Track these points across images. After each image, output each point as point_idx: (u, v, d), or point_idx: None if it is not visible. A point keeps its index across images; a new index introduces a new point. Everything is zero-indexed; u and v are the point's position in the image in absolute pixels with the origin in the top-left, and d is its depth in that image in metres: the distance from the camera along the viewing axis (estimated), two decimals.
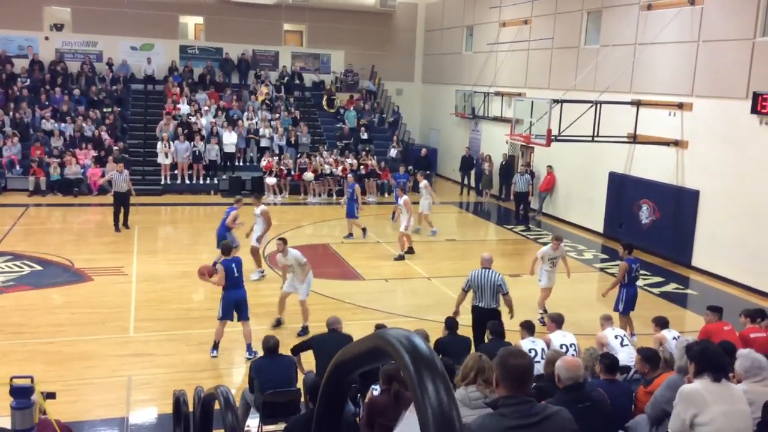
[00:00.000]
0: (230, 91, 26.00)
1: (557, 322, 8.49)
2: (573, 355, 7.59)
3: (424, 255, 15.64)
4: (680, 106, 15.76)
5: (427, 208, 17.68)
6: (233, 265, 9.80)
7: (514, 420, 3.01)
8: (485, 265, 9.67)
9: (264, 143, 23.88)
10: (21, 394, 4.00)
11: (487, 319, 9.15)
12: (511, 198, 21.38)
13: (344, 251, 15.29)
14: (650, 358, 6.30)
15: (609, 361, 6.19)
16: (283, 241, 10.85)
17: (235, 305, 9.81)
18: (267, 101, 25.71)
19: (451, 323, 8.38)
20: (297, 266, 10.74)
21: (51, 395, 5.13)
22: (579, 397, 4.70)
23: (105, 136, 22.86)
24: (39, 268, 13.64)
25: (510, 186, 23.12)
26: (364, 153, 23.95)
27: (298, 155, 23.24)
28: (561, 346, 7.92)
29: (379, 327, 8.30)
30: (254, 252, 13.54)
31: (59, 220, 19.02)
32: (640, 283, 14.33)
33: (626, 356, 7.62)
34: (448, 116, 26.91)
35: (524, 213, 20.22)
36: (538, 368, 7.60)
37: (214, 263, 10.71)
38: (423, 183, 17.84)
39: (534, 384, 6.66)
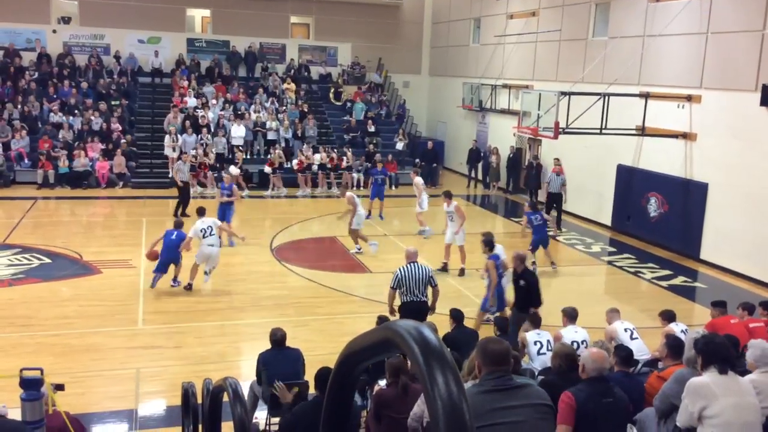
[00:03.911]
0: (237, 84, 26.01)
1: (571, 316, 8.17)
2: None
3: (430, 248, 15.61)
4: (689, 98, 15.67)
5: (418, 206, 16.83)
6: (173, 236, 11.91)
7: (490, 388, 3.42)
8: (412, 259, 9.39)
9: (271, 136, 23.88)
10: (31, 385, 4.02)
11: (417, 311, 8.98)
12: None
13: (351, 244, 15.28)
14: (676, 348, 6.08)
15: (625, 354, 6.06)
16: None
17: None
18: (277, 94, 25.76)
19: (457, 315, 8.29)
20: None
21: (60, 387, 5.17)
22: (603, 390, 4.65)
23: (117, 125, 22.90)
24: (47, 260, 13.69)
25: (516, 179, 23.14)
26: (336, 148, 23.79)
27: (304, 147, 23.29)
28: (572, 342, 7.54)
29: (382, 319, 8.29)
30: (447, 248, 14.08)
31: (67, 212, 19.09)
32: (648, 276, 14.48)
33: (636, 349, 7.53)
34: (456, 109, 26.84)
35: (558, 215, 18.15)
36: (545, 361, 7.58)
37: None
38: (415, 180, 17.21)
39: (541, 377, 6.69)
